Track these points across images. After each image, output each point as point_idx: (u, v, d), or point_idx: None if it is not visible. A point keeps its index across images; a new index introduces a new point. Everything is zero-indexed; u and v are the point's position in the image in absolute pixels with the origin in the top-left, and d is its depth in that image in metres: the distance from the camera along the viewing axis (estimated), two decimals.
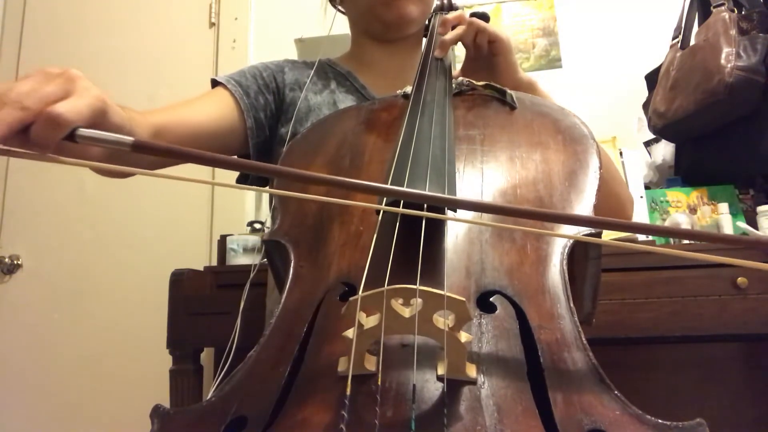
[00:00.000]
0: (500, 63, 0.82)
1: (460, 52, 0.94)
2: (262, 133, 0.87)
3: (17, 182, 1.97)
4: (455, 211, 0.49)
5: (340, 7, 0.99)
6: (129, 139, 0.41)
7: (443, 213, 0.48)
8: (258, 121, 0.86)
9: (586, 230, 0.49)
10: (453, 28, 0.83)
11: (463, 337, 0.36)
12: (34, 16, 2.11)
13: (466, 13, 0.91)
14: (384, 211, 0.49)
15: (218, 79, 0.86)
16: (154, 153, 0.43)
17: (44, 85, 0.43)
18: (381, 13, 0.87)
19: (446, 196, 0.48)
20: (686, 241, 1.32)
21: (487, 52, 0.82)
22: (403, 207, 0.45)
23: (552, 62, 1.89)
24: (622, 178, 0.85)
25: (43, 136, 0.41)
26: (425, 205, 0.48)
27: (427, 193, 0.47)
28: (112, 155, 0.52)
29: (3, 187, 1.97)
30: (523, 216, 0.47)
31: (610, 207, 0.78)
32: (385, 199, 0.48)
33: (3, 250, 1.92)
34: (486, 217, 0.51)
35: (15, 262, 1.90)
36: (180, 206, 1.87)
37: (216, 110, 0.82)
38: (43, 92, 0.42)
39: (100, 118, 0.46)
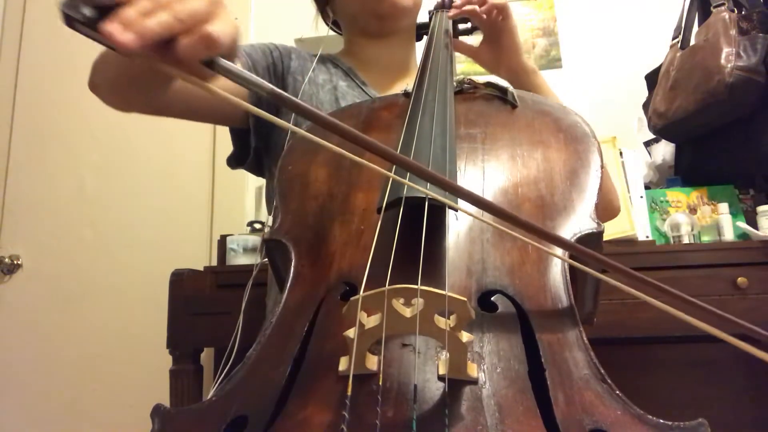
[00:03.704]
0: (507, 40, 0.88)
1: (460, 53, 0.94)
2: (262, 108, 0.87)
3: (17, 182, 1.97)
4: (456, 211, 0.49)
5: (331, 25, 1.00)
6: (268, 86, 0.39)
7: (445, 209, 0.48)
8: (261, 98, 0.86)
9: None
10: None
11: (464, 336, 0.35)
12: (34, 16, 2.10)
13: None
14: (385, 212, 0.49)
15: None
16: (287, 107, 0.40)
17: (194, 2, 0.40)
18: (374, 6, 0.88)
19: (449, 180, 0.47)
20: (686, 242, 1.32)
21: (495, 29, 0.88)
22: (405, 204, 0.44)
23: (552, 62, 1.89)
24: (613, 186, 0.85)
25: (192, 54, 0.39)
26: (427, 202, 0.47)
27: (431, 170, 0.46)
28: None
29: (3, 187, 1.97)
30: (518, 226, 0.45)
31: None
32: (386, 201, 0.48)
33: (3, 250, 1.91)
34: (487, 216, 0.51)
35: (15, 262, 1.90)
36: (180, 206, 1.87)
37: None
38: (196, 9, 0.40)
39: (233, 52, 0.43)
